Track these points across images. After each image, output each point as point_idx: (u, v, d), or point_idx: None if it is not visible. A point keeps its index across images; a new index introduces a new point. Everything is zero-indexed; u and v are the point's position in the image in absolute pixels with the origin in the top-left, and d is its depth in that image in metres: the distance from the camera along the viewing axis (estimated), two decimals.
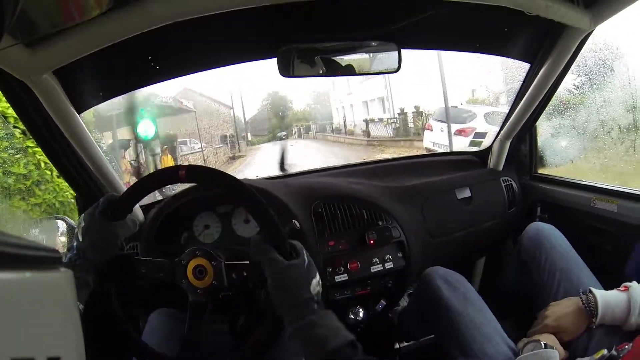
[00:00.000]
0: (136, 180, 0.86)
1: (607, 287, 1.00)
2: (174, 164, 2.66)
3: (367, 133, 15.82)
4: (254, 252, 0.76)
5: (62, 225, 1.28)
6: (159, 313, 1.03)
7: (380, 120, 16.11)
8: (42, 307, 0.29)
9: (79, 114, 1.02)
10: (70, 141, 1.03)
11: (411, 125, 13.52)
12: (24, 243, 0.29)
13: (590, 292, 0.94)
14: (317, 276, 0.75)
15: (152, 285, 1.00)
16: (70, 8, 0.71)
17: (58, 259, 0.33)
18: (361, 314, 1.22)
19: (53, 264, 0.32)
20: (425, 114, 12.09)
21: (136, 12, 0.77)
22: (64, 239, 1.26)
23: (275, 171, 10.63)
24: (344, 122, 19.86)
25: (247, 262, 0.86)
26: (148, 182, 0.84)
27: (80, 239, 0.77)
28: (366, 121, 16.78)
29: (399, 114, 14.26)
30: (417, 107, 13.20)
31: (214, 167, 0.85)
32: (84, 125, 1.04)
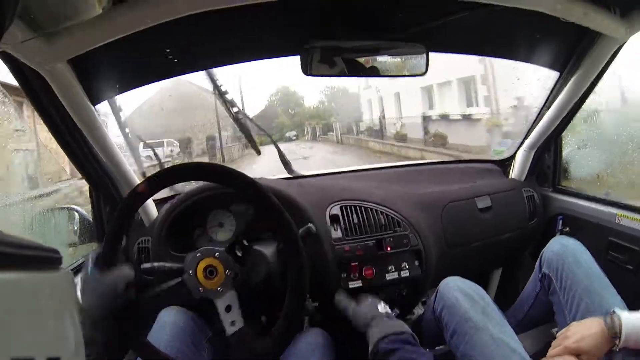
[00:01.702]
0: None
1: (630, 307, 0.96)
2: None
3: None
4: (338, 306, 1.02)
5: (73, 216, 1.27)
6: (169, 309, 1.02)
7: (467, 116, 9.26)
8: (42, 307, 0.29)
9: (93, 106, 1.00)
10: (84, 132, 1.01)
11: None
12: (24, 243, 0.29)
13: (614, 313, 0.89)
14: (382, 303, 0.97)
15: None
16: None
17: (58, 259, 0.33)
18: None
19: (53, 264, 0.32)
20: None
21: (155, 1, 0.75)
22: (76, 228, 1.25)
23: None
24: (400, 123, 12.63)
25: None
26: (118, 220, 0.84)
27: (80, 300, 0.76)
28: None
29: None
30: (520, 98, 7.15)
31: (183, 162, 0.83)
32: (97, 117, 1.02)
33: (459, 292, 1.01)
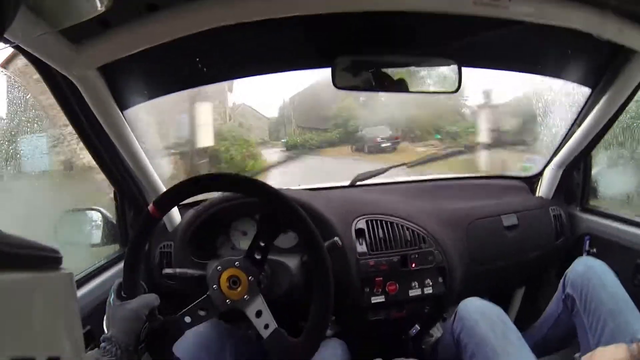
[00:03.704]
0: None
1: None
2: None
3: None
4: None
5: (97, 217, 1.28)
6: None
7: None
8: (42, 307, 0.29)
9: (122, 112, 1.02)
10: (112, 138, 1.03)
11: None
12: (24, 243, 0.29)
13: None
14: None
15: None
16: None
17: (58, 259, 0.33)
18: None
19: (53, 264, 0.32)
20: None
21: (186, 12, 0.76)
22: (99, 231, 1.27)
23: None
24: None
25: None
26: (134, 247, 0.87)
27: (107, 329, 0.79)
28: None
29: None
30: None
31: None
32: (126, 124, 1.04)
33: (478, 313, 1.00)
